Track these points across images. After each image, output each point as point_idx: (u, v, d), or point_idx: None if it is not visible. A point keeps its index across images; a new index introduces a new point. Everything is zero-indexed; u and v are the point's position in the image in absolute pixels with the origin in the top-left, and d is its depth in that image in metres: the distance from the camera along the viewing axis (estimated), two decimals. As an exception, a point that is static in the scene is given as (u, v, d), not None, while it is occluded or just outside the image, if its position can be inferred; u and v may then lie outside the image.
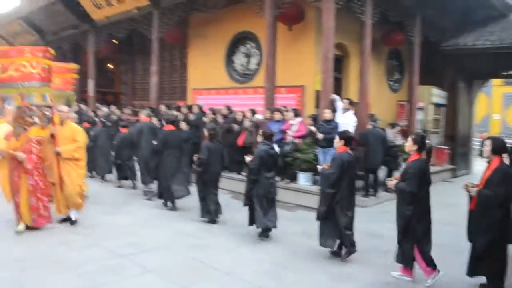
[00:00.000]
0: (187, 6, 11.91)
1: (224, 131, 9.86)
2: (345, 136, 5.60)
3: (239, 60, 12.21)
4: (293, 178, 8.94)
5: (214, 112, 10.53)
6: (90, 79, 15.91)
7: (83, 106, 14.62)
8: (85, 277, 4.62)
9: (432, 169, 12.28)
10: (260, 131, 6.78)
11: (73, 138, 6.50)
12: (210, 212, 7.05)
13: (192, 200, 7.77)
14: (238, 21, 11.77)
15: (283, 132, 9.02)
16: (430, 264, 4.71)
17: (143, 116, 9.37)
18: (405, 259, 4.81)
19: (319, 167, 5.89)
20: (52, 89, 6.95)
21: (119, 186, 9.85)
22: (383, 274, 4.98)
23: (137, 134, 8.94)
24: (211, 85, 12.75)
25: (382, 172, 9.40)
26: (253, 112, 9.98)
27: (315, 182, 8.44)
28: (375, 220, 7.51)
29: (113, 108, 13.78)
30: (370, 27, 9.82)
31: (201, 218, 7.13)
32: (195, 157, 7.21)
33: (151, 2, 12.47)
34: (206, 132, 7.24)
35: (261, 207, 6.15)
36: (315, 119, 9.10)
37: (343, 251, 5.50)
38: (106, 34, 15.29)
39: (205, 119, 10.27)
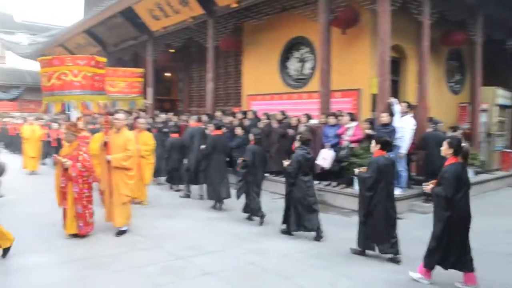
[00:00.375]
0: (241, 14, 12.08)
1: (279, 136, 9.89)
2: (381, 140, 5.64)
3: (293, 65, 12.23)
4: (349, 183, 8.82)
5: (268, 117, 10.59)
6: (149, 87, 16.47)
7: (142, 114, 15.15)
8: (146, 278, 4.78)
9: (498, 174, 11.75)
10: (298, 136, 7.00)
11: (125, 147, 6.43)
12: (253, 210, 7.34)
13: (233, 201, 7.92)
14: (292, 27, 11.80)
15: (339, 136, 8.92)
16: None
17: (193, 121, 9.90)
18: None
19: (356, 170, 5.91)
20: (110, 92, 7.17)
21: (177, 190, 10.11)
22: (445, 283, 4.79)
23: (188, 138, 9.40)
24: (265, 91, 12.86)
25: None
26: (308, 117, 9.93)
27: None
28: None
29: (170, 115, 14.19)
30: (428, 28, 9.54)
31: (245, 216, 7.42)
32: (239, 160, 7.37)
33: (206, 11, 12.77)
34: (251, 136, 7.50)
35: (295, 211, 6.41)
36: (372, 123, 8.94)
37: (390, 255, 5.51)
38: (163, 44, 15.79)
39: (260, 125, 10.36)
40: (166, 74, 20.75)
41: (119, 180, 6.42)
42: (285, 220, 6.58)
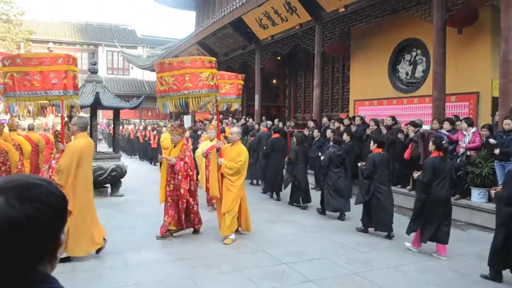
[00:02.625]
0: (349, 18, 11.86)
1: (388, 143, 9.48)
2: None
3: (403, 68, 11.70)
4: (465, 194, 8.14)
5: (377, 123, 10.21)
6: (257, 94, 16.86)
7: (250, 120, 15.56)
8: (250, 281, 4.84)
9: None
10: (332, 138, 8.75)
11: (235, 158, 6.45)
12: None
13: (353, 212, 7.70)
14: (402, 29, 11.31)
15: (455, 143, 8.29)
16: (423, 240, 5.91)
17: (263, 127, 11.22)
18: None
19: (359, 164, 7.27)
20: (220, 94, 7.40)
21: (277, 199, 10.17)
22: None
23: (256, 142, 11.12)
24: (373, 96, 12.46)
25: None
26: (420, 122, 9.40)
27: (490, 199, 7.54)
28: None
29: (276, 121, 14.37)
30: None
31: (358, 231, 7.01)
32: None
33: (313, 17, 12.75)
34: (294, 138, 8.75)
35: (330, 194, 7.99)
36: (491, 129, 8.17)
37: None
38: (270, 52, 16.09)
39: (368, 131, 10.03)
40: (272, 81, 21.12)
41: (225, 188, 6.47)
42: (321, 202, 8.35)
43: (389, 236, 6.75)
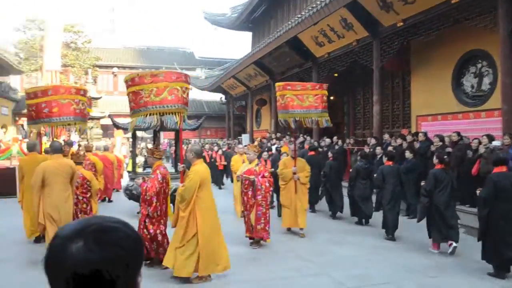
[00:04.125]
0: (408, 32, 11.57)
1: (456, 160, 9.05)
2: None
3: (468, 81, 11.21)
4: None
5: (442, 139, 9.79)
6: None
7: (308, 138, 15.47)
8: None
9: None
10: (360, 152, 10.23)
11: (304, 168, 8.25)
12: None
13: (420, 234, 7.39)
14: (465, 40, 10.87)
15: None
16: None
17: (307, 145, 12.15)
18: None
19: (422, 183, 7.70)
20: (301, 108, 8.13)
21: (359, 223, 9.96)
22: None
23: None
24: (437, 111, 12.00)
25: None
26: (491, 138, 8.90)
27: None
28: None
29: (335, 138, 14.18)
30: None
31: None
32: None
33: (371, 33, 12.56)
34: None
35: (360, 203, 9.03)
36: None
37: None
38: (327, 69, 15.99)
39: (432, 148, 9.65)
40: (330, 97, 20.95)
41: (301, 192, 8.12)
42: (354, 212, 9.44)
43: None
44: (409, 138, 10.80)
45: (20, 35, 30.72)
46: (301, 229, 8.06)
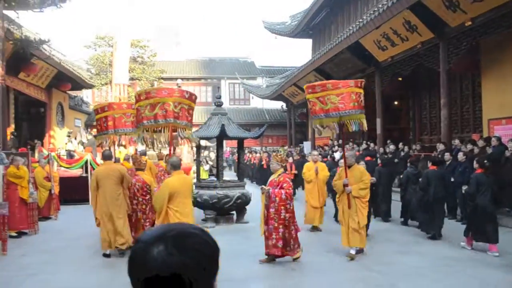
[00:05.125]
0: (477, 31, 11.01)
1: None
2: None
3: (547, 81, 10.46)
4: None
5: (517, 143, 9.19)
6: (378, 118, 16.36)
7: (372, 144, 15.11)
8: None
9: None
10: (409, 159, 10.50)
11: (361, 178, 7.04)
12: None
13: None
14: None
15: None
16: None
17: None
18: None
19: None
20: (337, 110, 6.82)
21: (405, 224, 9.60)
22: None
23: None
24: (511, 113, 11.28)
25: None
26: None
27: None
28: None
29: (400, 145, 13.75)
30: None
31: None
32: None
33: (436, 34, 12.07)
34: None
35: (409, 206, 9.37)
36: None
37: None
38: (391, 73, 15.56)
39: (507, 153, 9.08)
40: (394, 102, 20.36)
41: (354, 208, 6.88)
42: (403, 214, 9.76)
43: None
44: (480, 143, 10.23)
45: (91, 52, 32.54)
46: (353, 248, 6.93)
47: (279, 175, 6.76)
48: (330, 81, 7.36)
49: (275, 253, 6.52)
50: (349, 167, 7.15)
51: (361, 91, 7.03)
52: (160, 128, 6.73)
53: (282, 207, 6.46)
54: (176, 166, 5.84)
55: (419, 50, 13.25)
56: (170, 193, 5.54)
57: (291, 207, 6.59)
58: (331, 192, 9.51)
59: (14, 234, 8.48)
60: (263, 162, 19.08)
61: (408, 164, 10.15)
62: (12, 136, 15.27)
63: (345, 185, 6.97)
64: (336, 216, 9.42)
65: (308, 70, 20.86)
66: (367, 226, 7.47)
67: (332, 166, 10.86)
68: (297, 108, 29.56)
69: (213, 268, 1.03)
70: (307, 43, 31.42)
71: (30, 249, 7.90)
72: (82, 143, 17.19)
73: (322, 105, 6.82)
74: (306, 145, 24.36)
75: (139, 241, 1.02)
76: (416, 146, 14.09)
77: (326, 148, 18.65)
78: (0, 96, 12.23)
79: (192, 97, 7.05)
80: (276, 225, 6.49)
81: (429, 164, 8.75)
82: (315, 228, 9.29)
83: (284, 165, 7.09)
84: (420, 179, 8.99)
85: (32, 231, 9.24)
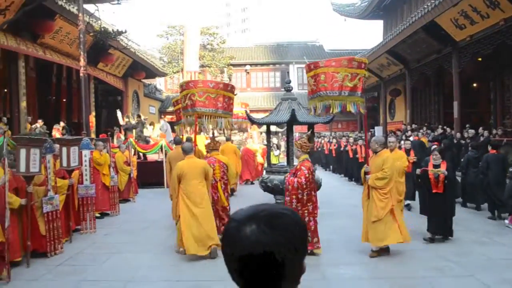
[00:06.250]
0: None
1: None
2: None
3: None
4: None
5: None
6: (455, 101, 15.57)
7: (448, 130, 14.44)
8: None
9: None
10: (470, 144, 10.38)
11: (381, 166, 6.29)
12: None
13: None
14: None
15: None
16: None
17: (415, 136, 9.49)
18: None
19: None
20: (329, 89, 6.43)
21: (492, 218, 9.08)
22: None
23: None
24: None
25: None
26: None
27: None
28: None
29: (480, 129, 13.02)
30: None
31: None
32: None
33: (522, 9, 11.22)
34: None
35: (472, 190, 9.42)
36: None
37: None
38: (469, 53, 14.69)
39: None
40: (472, 84, 19.25)
41: (372, 199, 6.36)
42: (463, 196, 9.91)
43: None
44: None
45: (163, 41, 33.66)
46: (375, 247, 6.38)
47: (300, 162, 6.49)
48: (335, 58, 6.77)
49: None
50: (375, 153, 6.52)
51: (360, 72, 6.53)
52: (200, 116, 7.75)
53: (294, 196, 6.20)
54: (187, 151, 6.65)
55: (501, 27, 12.38)
56: (179, 175, 6.40)
57: (305, 197, 6.21)
58: (417, 183, 8.55)
59: (97, 215, 9.08)
60: (348, 148, 16.54)
61: (470, 148, 10.33)
62: (64, 130, 16.18)
63: (366, 173, 6.52)
64: (420, 210, 8.87)
65: (380, 53, 20.23)
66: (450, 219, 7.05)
67: (420, 152, 10.40)
68: (367, 92, 28.80)
69: (304, 248, 1.06)
70: (378, 24, 30.41)
71: (112, 229, 8.46)
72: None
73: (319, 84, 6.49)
74: (378, 130, 23.73)
75: (231, 220, 1.07)
76: (498, 130, 13.26)
77: (399, 133, 18.05)
78: (83, 86, 13.04)
79: (218, 86, 7.92)
80: None
81: (489, 148, 9.10)
82: None
83: (307, 151, 6.59)
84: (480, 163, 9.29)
85: (114, 212, 9.88)
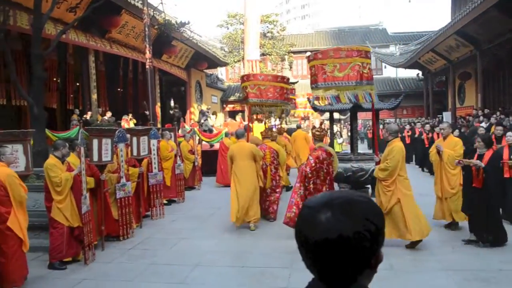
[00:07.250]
0: None
1: None
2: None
3: None
4: None
5: None
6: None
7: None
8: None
9: None
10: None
11: (386, 156, 6.08)
12: None
13: None
14: None
15: None
16: None
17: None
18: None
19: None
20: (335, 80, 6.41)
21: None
22: None
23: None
24: None
25: None
26: None
27: None
28: None
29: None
30: None
31: None
32: None
33: None
34: None
35: None
36: None
37: None
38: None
39: None
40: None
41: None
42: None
43: None
44: None
45: (224, 31, 34.04)
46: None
47: (315, 149, 6.54)
48: (341, 47, 6.75)
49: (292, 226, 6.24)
50: (387, 142, 6.28)
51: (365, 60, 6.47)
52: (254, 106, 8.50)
53: (302, 184, 6.32)
54: (239, 135, 7.90)
55: None
56: (230, 156, 7.49)
57: (312, 186, 6.26)
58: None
59: (165, 201, 9.43)
60: (424, 137, 15.29)
61: None
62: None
63: (376, 163, 6.34)
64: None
65: (448, 34, 19.27)
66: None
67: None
68: (434, 76, 27.62)
69: (381, 234, 1.04)
70: (446, 4, 28.96)
71: (179, 216, 8.76)
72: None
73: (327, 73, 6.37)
74: (446, 116, 22.74)
75: (305, 207, 1.07)
76: None
77: (470, 118, 17.18)
78: (149, 77, 13.51)
79: (267, 78, 8.64)
80: (297, 199, 6.34)
81: None
82: (449, 226, 7.03)
83: (321, 139, 6.67)
84: None
85: (180, 199, 10.21)
